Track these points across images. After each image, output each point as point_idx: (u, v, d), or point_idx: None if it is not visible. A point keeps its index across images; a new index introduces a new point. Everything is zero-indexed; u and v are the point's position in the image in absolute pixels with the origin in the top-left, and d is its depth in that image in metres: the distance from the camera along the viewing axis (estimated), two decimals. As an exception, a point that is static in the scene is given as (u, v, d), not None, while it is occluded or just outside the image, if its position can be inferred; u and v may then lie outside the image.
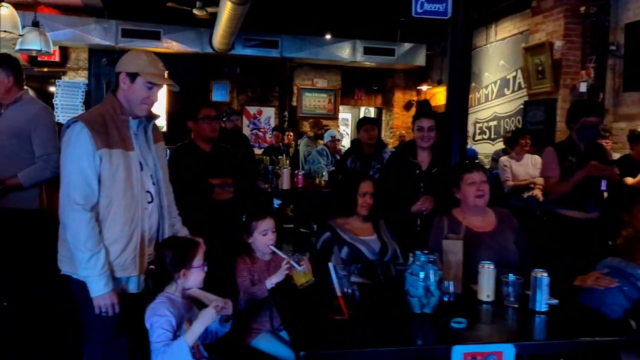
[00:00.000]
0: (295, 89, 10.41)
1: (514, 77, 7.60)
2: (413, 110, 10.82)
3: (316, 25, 8.62)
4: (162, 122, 9.05)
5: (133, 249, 2.20)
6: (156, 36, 8.29)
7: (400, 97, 10.86)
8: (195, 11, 7.24)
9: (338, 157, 6.85)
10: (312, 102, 10.54)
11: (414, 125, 3.59)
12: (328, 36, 9.00)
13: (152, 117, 2.36)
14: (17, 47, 6.10)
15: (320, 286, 2.25)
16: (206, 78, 9.50)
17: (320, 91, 10.56)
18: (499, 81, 8.02)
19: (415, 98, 10.74)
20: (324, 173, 6.17)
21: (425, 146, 3.51)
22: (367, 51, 9.06)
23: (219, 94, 9.96)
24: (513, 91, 7.64)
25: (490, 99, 8.27)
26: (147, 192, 2.29)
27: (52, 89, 9.57)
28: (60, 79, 8.96)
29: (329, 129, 7.81)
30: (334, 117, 10.64)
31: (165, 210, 2.37)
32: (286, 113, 10.11)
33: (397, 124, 10.83)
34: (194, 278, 2.09)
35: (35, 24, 6.23)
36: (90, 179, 2.11)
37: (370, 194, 2.80)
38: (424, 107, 8.29)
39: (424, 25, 8.70)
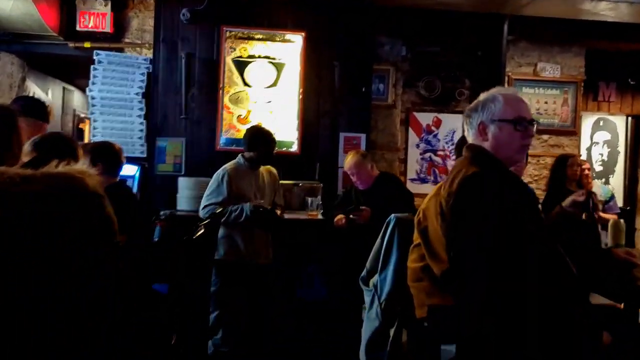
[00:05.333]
0: (507, 80, 5.86)
1: None
2: None
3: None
4: (292, 136, 4.67)
5: None
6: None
7: (689, 98, 6.09)
8: None
9: None
10: (534, 102, 5.97)
11: None
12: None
13: None
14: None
15: None
16: (369, 56, 5.04)
17: (550, 84, 5.97)
18: None
19: None
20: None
21: None
22: None
23: (375, 88, 5.54)
24: None
25: None
26: None
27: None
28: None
29: None
30: (571, 130, 5.99)
31: None
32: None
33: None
34: None
35: None
36: None
37: None
38: None
39: None
